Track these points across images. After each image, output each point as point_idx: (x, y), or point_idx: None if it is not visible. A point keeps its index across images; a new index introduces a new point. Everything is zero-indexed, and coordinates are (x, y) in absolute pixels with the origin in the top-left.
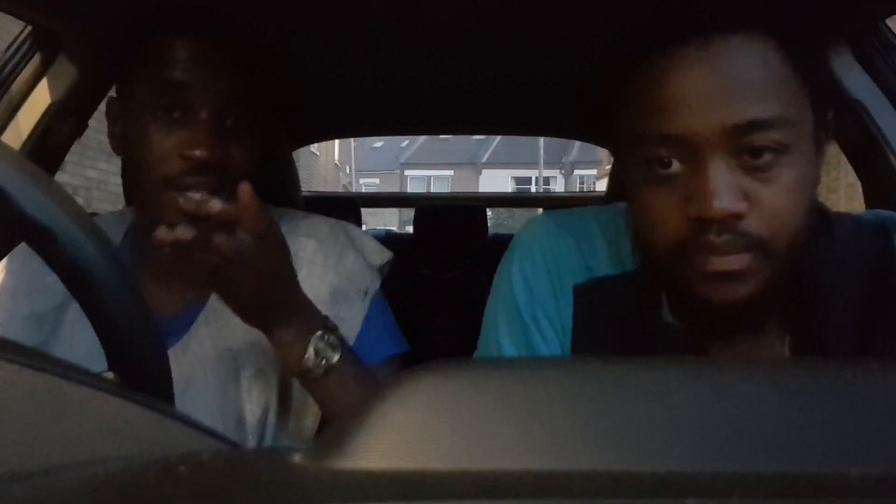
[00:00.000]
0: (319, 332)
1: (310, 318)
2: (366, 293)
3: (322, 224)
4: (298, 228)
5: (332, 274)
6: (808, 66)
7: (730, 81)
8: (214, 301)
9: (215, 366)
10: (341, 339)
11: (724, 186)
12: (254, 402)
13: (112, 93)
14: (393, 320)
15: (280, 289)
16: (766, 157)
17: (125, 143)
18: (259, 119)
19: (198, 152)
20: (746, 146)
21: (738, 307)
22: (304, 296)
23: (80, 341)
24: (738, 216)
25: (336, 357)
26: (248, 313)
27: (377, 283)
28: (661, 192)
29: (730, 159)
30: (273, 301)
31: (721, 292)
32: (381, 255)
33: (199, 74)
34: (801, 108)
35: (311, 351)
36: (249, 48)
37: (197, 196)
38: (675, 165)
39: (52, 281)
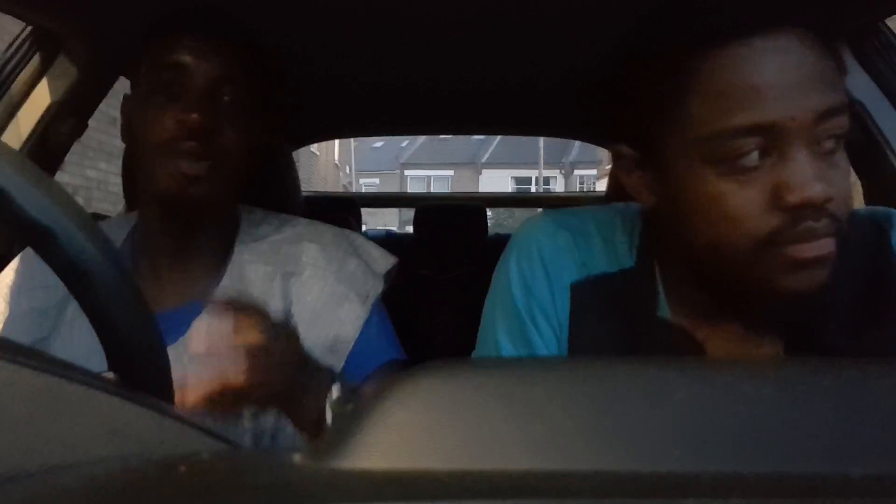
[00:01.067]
0: (334, 397)
1: (320, 377)
2: (367, 297)
3: (326, 230)
4: (302, 234)
5: (333, 278)
6: (843, 70)
7: (811, 70)
8: (217, 299)
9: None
10: (353, 387)
11: (816, 172)
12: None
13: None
14: (392, 328)
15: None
16: (834, 144)
17: (131, 130)
18: (256, 111)
19: (192, 117)
20: (827, 132)
21: (813, 296)
22: (305, 356)
23: (80, 338)
24: (830, 200)
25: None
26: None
27: (379, 289)
28: (743, 186)
29: (811, 146)
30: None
31: (807, 280)
32: (386, 262)
33: (196, 57)
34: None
35: (329, 418)
36: (247, 40)
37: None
38: (757, 156)
39: (56, 278)
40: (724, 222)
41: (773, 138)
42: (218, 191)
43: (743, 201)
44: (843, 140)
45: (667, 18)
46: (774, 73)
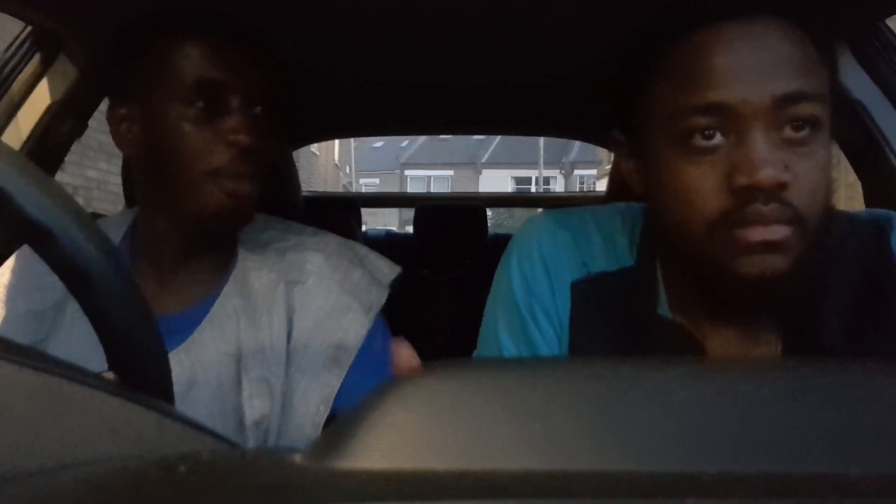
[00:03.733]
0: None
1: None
2: (370, 308)
3: (331, 240)
4: (307, 243)
5: (338, 287)
6: (831, 62)
7: (775, 55)
8: (219, 305)
9: (218, 369)
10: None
11: (770, 156)
12: (254, 408)
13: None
14: (391, 341)
15: None
16: (804, 132)
17: (146, 142)
18: (275, 118)
19: (243, 138)
20: (789, 118)
21: (772, 283)
22: None
23: (79, 339)
24: (783, 185)
25: None
26: None
27: (383, 300)
28: (700, 166)
29: (772, 132)
30: None
31: (760, 265)
32: (391, 272)
33: (230, 70)
34: (828, 93)
35: None
36: (265, 46)
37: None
38: (717, 138)
39: (53, 280)
40: (680, 202)
41: (730, 120)
42: (253, 205)
43: (697, 181)
44: (821, 130)
45: (652, 7)
46: (734, 57)
